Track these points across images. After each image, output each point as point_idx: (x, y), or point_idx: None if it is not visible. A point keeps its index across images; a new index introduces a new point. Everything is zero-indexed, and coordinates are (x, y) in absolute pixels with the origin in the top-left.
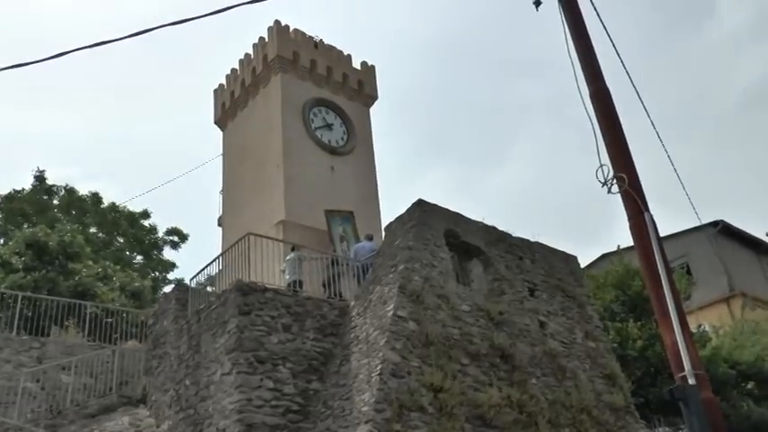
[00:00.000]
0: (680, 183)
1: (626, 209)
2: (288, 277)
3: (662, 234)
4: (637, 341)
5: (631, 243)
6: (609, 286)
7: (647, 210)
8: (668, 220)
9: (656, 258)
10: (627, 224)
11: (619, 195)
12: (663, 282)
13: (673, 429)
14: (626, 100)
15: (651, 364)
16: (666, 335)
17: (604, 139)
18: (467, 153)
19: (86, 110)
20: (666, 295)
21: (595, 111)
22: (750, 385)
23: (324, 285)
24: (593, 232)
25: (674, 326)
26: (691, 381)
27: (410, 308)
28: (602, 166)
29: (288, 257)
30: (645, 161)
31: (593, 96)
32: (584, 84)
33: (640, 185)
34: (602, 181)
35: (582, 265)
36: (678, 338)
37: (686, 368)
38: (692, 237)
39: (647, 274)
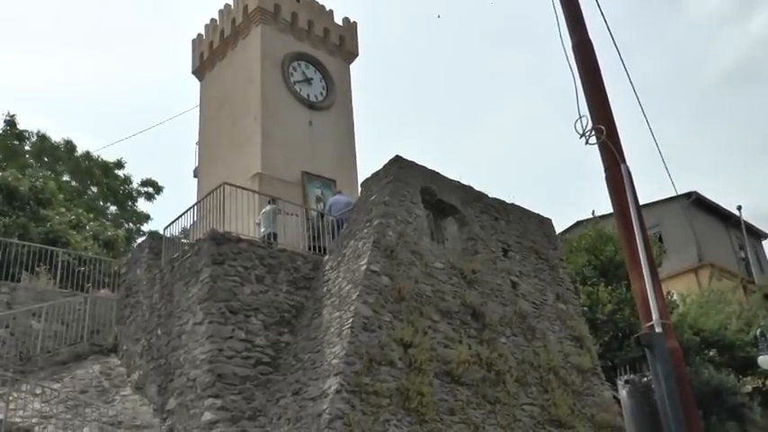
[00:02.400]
0: (658, 151)
1: (603, 160)
2: (263, 230)
3: None
4: (606, 305)
5: (606, 212)
6: (582, 251)
7: (624, 161)
8: (643, 190)
9: (631, 209)
10: (602, 196)
11: (598, 163)
12: (635, 231)
13: (638, 376)
14: (607, 68)
15: (619, 328)
16: (636, 283)
17: (584, 92)
18: (446, 117)
19: (59, 57)
20: (638, 244)
21: (577, 63)
22: (712, 352)
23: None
24: (569, 202)
25: (645, 274)
26: (658, 329)
27: (383, 263)
28: (581, 117)
29: (264, 210)
30: (622, 133)
31: (576, 47)
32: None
33: (618, 137)
34: (581, 132)
35: (557, 231)
36: (647, 287)
37: (654, 317)
38: (665, 207)
39: (621, 224)
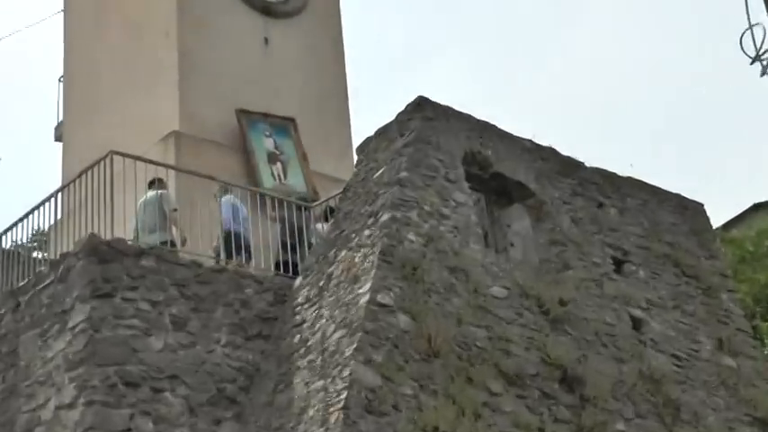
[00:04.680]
0: None
1: None
2: (147, 235)
3: None
4: None
5: None
6: (766, 259)
7: None
8: None
9: None
10: None
11: None
12: None
13: None
14: None
15: None
16: None
17: None
18: (497, 34)
19: None
20: None
21: None
22: None
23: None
24: (724, 173)
25: None
26: None
27: (399, 289)
28: (752, 26)
29: (141, 200)
30: None
31: None
32: None
33: None
34: (753, 56)
35: (714, 225)
36: None
37: None
38: None
39: None
